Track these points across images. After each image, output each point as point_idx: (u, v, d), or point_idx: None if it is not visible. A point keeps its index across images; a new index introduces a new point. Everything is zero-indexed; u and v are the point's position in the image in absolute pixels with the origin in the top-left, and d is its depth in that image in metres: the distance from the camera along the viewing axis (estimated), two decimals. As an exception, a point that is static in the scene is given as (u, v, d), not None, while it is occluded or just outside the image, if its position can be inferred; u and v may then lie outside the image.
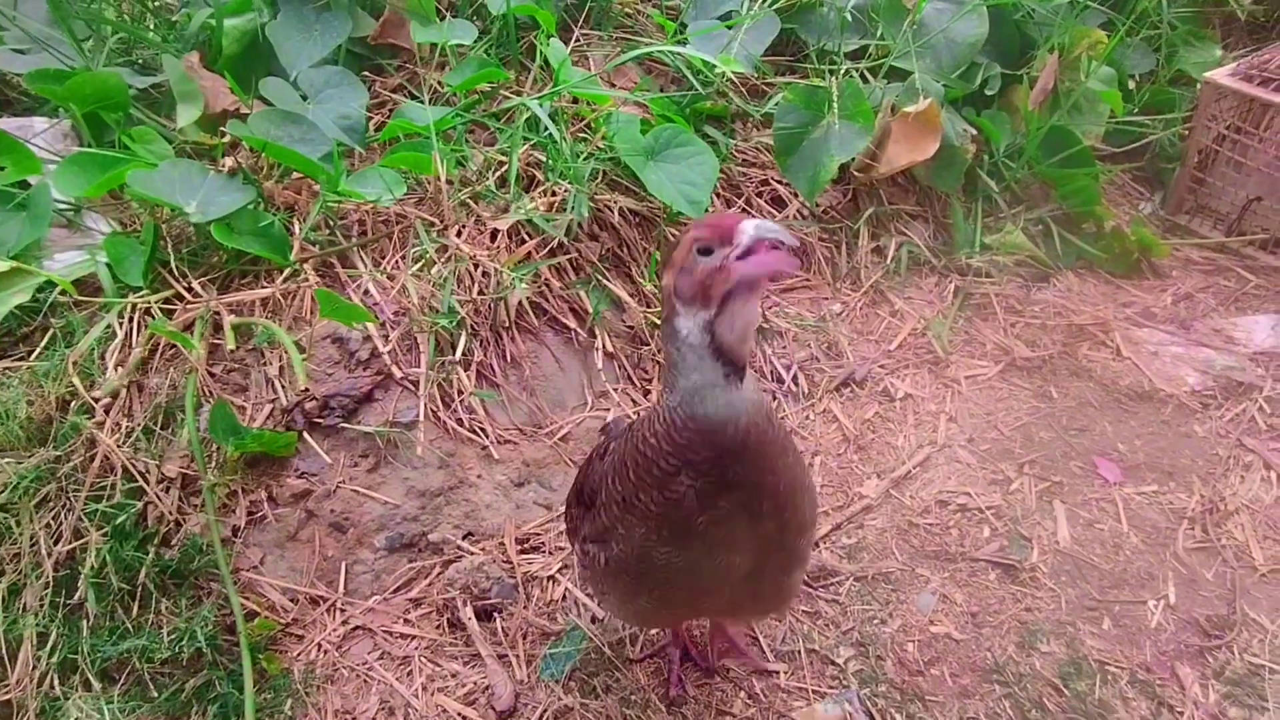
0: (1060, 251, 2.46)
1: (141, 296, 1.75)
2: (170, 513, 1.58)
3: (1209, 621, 1.64)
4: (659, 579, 1.16)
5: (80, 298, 1.73)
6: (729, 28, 2.31)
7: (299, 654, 1.57)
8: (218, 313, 1.77)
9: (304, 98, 2.09)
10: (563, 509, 1.80)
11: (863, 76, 2.38)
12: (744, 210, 2.28)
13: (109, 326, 1.70)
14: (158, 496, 1.58)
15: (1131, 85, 2.68)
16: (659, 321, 1.17)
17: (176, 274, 1.81)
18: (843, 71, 2.35)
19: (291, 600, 1.62)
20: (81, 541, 1.51)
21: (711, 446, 1.03)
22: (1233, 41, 2.99)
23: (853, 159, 2.26)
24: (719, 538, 1.09)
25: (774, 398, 2.07)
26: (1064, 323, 2.28)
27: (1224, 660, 1.58)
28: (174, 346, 1.73)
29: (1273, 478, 1.90)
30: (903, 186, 2.48)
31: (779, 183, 2.33)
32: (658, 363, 2.05)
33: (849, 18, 2.42)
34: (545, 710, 1.50)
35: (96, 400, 1.61)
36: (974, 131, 2.41)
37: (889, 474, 1.92)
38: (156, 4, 2.36)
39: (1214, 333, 2.27)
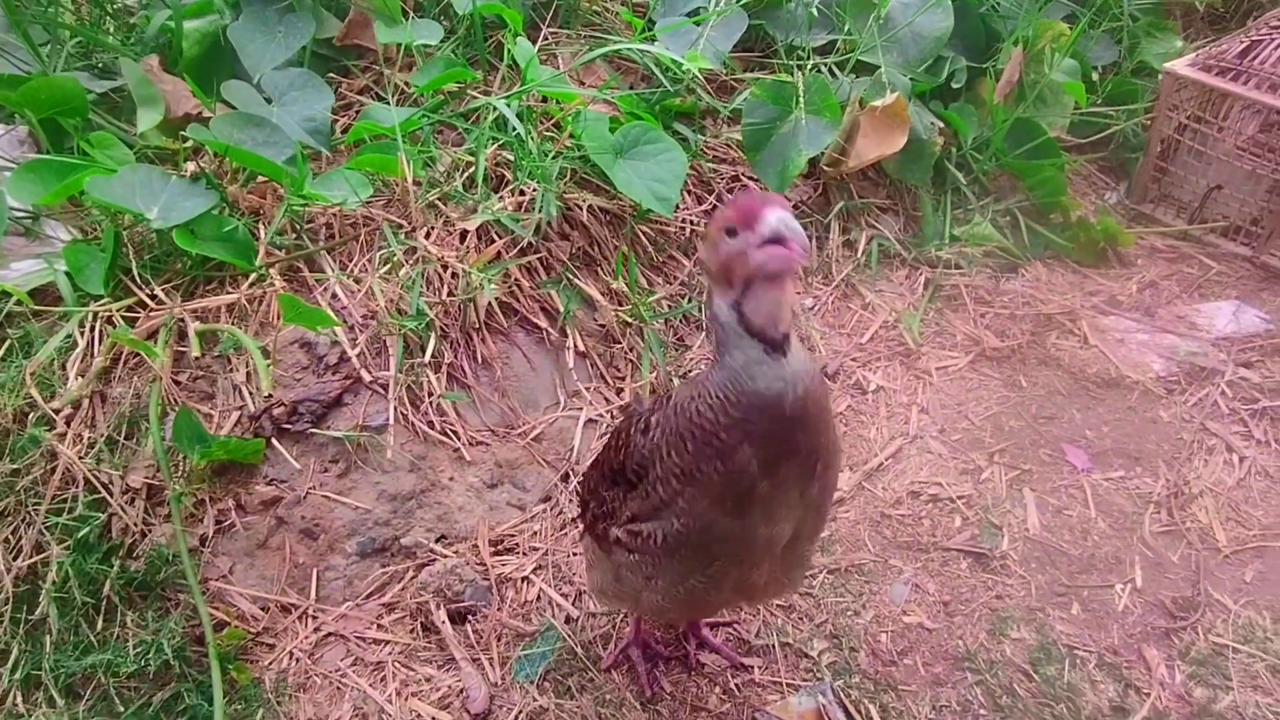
0: (1028, 242, 2.49)
1: (103, 305, 1.73)
2: (135, 524, 1.56)
3: (1174, 603, 1.66)
4: (718, 551, 1.16)
5: (38, 307, 1.70)
6: (697, 24, 2.31)
7: (270, 663, 1.56)
8: (182, 320, 1.74)
9: (268, 100, 2.06)
10: (538, 508, 1.81)
11: (830, 71, 2.39)
12: (715, 207, 2.28)
13: (69, 336, 1.67)
14: (122, 508, 1.56)
15: (1095, 77, 2.71)
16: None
17: (139, 281, 1.78)
18: (810, 66, 2.36)
19: (262, 609, 1.61)
20: (43, 555, 1.48)
21: (771, 419, 1.04)
22: (1193, 32, 3.03)
23: (821, 153, 2.28)
24: (776, 504, 1.11)
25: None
26: (1032, 312, 2.31)
27: (1189, 641, 1.61)
28: (137, 355, 1.70)
29: (1235, 460, 1.93)
30: (872, 180, 2.50)
31: (749, 178, 2.33)
32: (630, 361, 2.05)
33: (815, 13, 2.43)
34: (520, 712, 1.49)
35: (57, 411, 1.59)
36: (941, 125, 2.43)
37: (861, 466, 1.94)
38: (115, 7, 2.32)
39: (1178, 319, 2.31)
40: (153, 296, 1.76)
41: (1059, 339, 2.26)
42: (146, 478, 1.60)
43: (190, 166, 1.90)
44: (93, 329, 1.69)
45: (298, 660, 1.56)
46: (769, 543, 1.16)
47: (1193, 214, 2.60)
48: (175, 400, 1.68)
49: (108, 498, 1.55)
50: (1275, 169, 2.45)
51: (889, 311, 2.30)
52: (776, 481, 1.08)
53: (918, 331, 2.25)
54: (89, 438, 1.59)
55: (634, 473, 1.18)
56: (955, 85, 2.51)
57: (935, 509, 1.85)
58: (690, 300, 2.15)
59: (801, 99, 2.20)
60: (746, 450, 1.05)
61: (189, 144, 1.95)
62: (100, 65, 2.20)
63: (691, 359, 2.12)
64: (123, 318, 1.72)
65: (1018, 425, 2.04)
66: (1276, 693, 1.52)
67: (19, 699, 1.43)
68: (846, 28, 2.44)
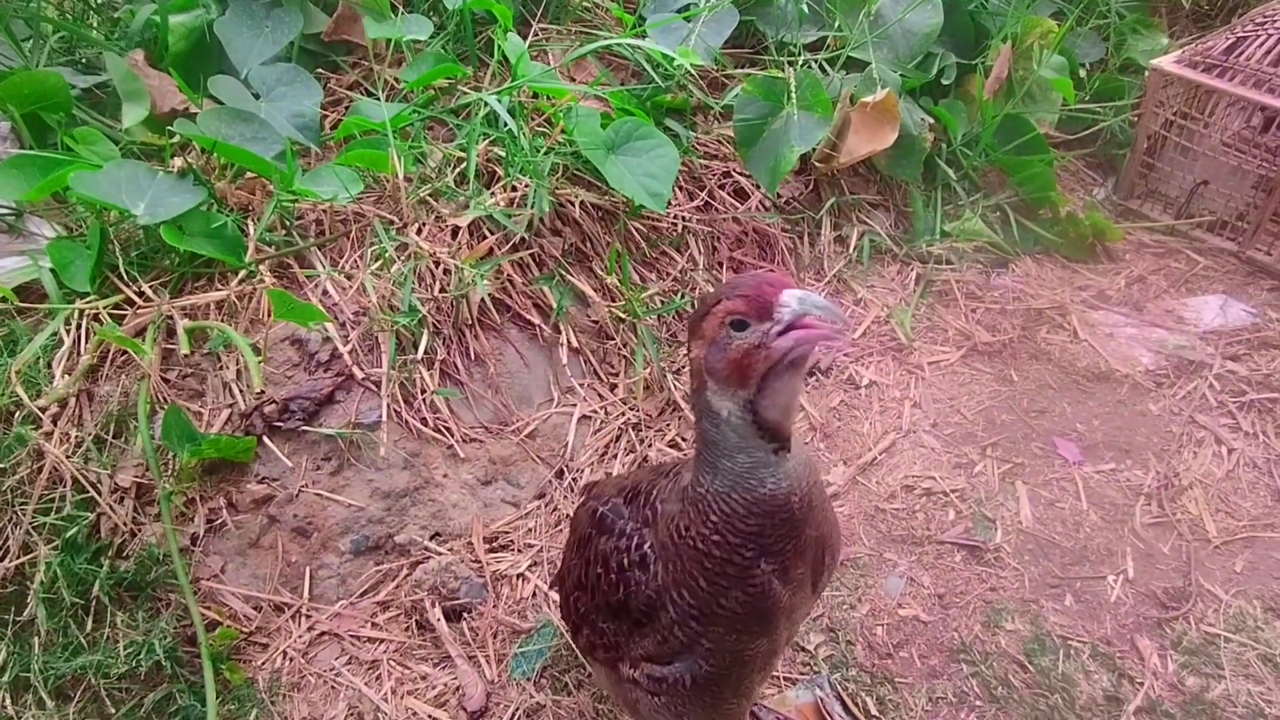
0: (1018, 237, 2.51)
1: (89, 302, 1.70)
2: (124, 523, 1.54)
3: (1166, 594, 1.68)
4: (750, 668, 1.07)
5: (23, 305, 1.67)
6: (687, 20, 2.31)
7: (263, 662, 1.54)
8: (170, 317, 1.72)
9: (256, 96, 2.04)
10: (532, 505, 1.80)
11: (821, 67, 2.40)
12: (707, 203, 2.28)
13: (55, 334, 1.65)
14: (111, 507, 1.53)
15: (1082, 73, 2.73)
16: (688, 392, 1.03)
17: (126, 278, 1.75)
18: (801, 63, 2.36)
19: (255, 608, 1.59)
20: (30, 556, 1.46)
21: (782, 523, 0.95)
22: (1178, 29, 3.06)
23: (813, 149, 2.28)
24: (797, 604, 1.04)
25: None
26: (1023, 307, 2.33)
27: (1181, 631, 1.62)
28: (125, 353, 1.68)
29: (1224, 452, 1.95)
30: (863, 176, 2.51)
31: (741, 174, 2.33)
32: (624, 357, 2.04)
33: (806, 9, 2.43)
34: (517, 709, 1.49)
35: (43, 410, 1.56)
36: (932, 121, 2.44)
37: (855, 461, 1.94)
38: (99, 1, 2.29)
39: (1165, 313, 2.33)
40: (140, 294, 1.74)
41: (1049, 333, 2.27)
42: (136, 477, 1.58)
43: (177, 162, 1.88)
44: (79, 327, 1.67)
45: (291, 659, 1.55)
46: (790, 636, 1.10)
47: (1179, 209, 2.62)
48: (164, 398, 1.65)
49: (96, 497, 1.53)
50: (1260, 164, 2.48)
51: (881, 307, 2.31)
52: (793, 584, 1.00)
53: (910, 327, 2.26)
54: (76, 436, 1.57)
55: (641, 613, 1.04)
56: (945, 82, 2.52)
57: (929, 503, 1.86)
58: (683, 296, 2.15)
59: (793, 95, 2.21)
60: (763, 567, 0.96)
61: (176, 139, 1.92)
62: (84, 60, 2.17)
63: (684, 355, 2.11)
64: (110, 315, 1.69)
65: (1009, 419, 2.06)
66: (1268, 681, 1.54)
67: (8, 701, 1.41)
68: (837, 24, 2.44)
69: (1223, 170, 2.53)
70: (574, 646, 1.32)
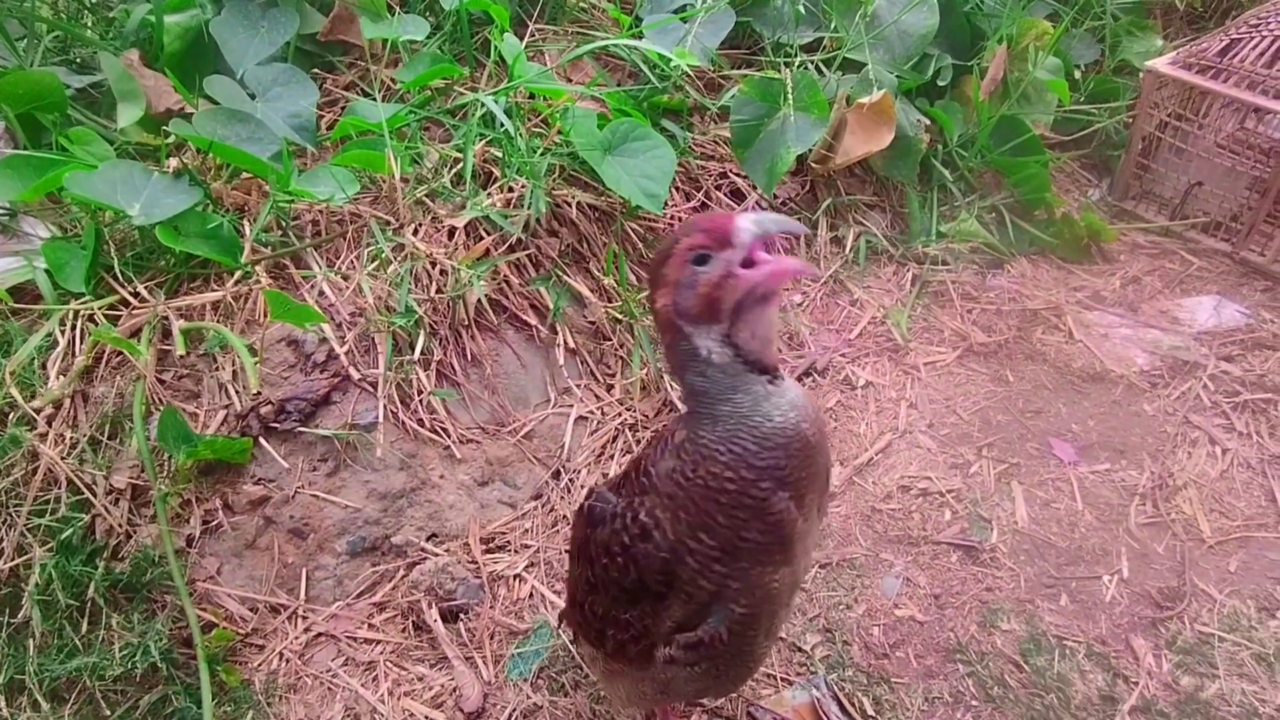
0: (1013, 238, 2.51)
1: (84, 303, 1.70)
2: (120, 525, 1.54)
3: (1161, 594, 1.69)
4: (775, 604, 1.05)
5: (17, 305, 1.66)
6: (684, 21, 2.31)
7: (260, 664, 1.54)
8: (166, 318, 1.72)
9: (252, 96, 2.04)
10: (529, 506, 1.80)
11: (817, 69, 2.40)
12: (703, 204, 2.29)
13: (49, 335, 1.64)
14: (106, 509, 1.53)
15: (1077, 75, 2.74)
16: (661, 355, 1.01)
17: (121, 279, 1.75)
18: (797, 64, 2.37)
19: (251, 610, 1.59)
20: (25, 558, 1.46)
21: (796, 454, 0.96)
22: (1173, 31, 3.08)
23: (809, 150, 2.28)
24: (808, 530, 1.04)
25: (737, 389, 2.08)
26: (1018, 308, 2.33)
27: (1176, 630, 1.63)
28: (120, 354, 1.68)
29: (1218, 453, 1.96)
30: (859, 177, 2.51)
31: (737, 175, 2.33)
32: (620, 357, 2.04)
33: (802, 10, 2.43)
34: (514, 710, 1.49)
35: (37, 411, 1.56)
36: (928, 122, 2.45)
37: (851, 461, 1.94)
38: (93, 1, 2.28)
39: (1160, 314, 2.34)
40: (135, 294, 1.74)
41: (1044, 334, 2.28)
42: (131, 478, 1.58)
43: (173, 162, 1.87)
44: (74, 327, 1.66)
45: (288, 661, 1.54)
46: (807, 566, 1.09)
47: (1174, 210, 2.63)
48: (160, 399, 1.65)
49: (91, 498, 1.53)
50: (1254, 165, 2.49)
51: (877, 308, 2.31)
52: (806, 510, 1.00)
53: (906, 327, 2.26)
54: (71, 438, 1.57)
55: (659, 583, 1.02)
56: (941, 83, 2.53)
57: (925, 503, 1.87)
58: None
59: (789, 96, 2.21)
60: (780, 495, 0.96)
61: (171, 140, 1.92)
62: (79, 60, 2.17)
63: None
64: (105, 316, 1.69)
65: (1005, 419, 2.06)
66: (1262, 680, 1.54)
67: (2, 704, 1.40)
68: (833, 25, 2.45)
69: (1217, 171, 2.54)
70: (596, 660, 1.26)
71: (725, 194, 2.33)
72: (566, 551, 1.24)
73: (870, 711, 1.50)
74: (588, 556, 1.10)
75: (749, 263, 0.91)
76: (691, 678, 1.09)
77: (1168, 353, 2.21)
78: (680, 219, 2.22)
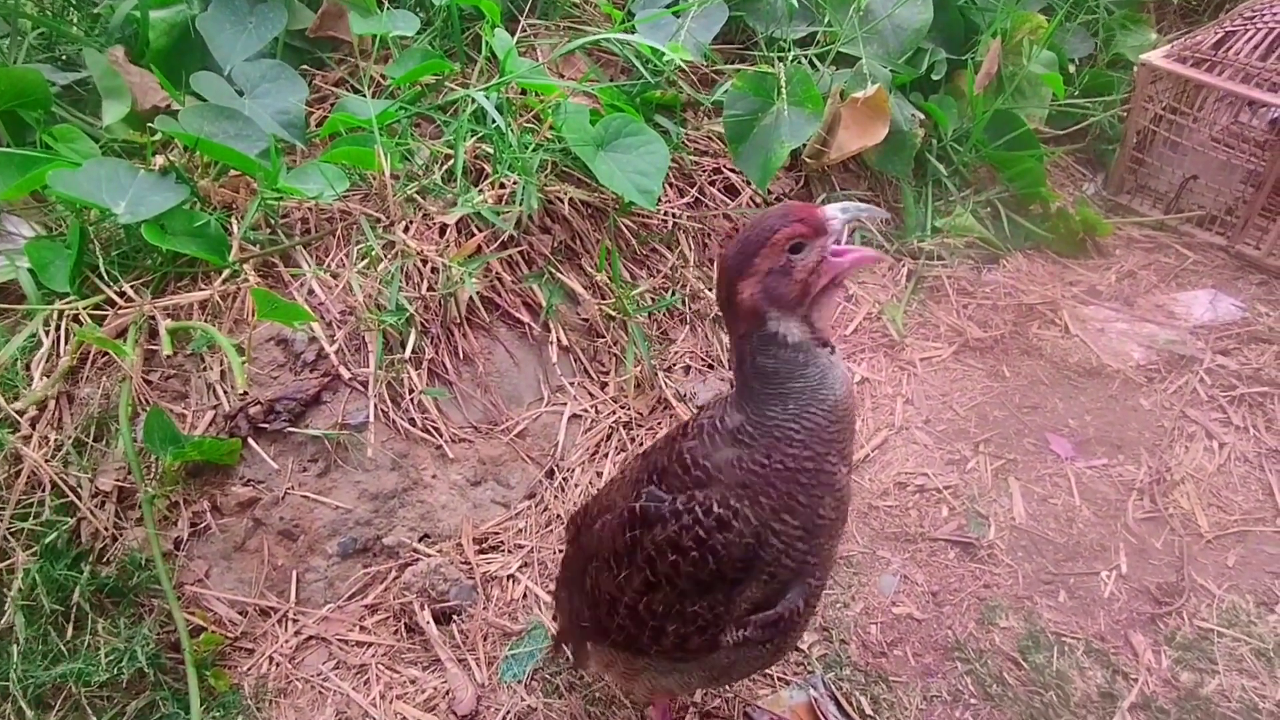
0: (1009, 233, 2.50)
1: (69, 303, 1.67)
2: (106, 528, 1.51)
3: (1159, 589, 1.68)
4: (829, 567, 1.12)
5: (1, 305, 1.64)
6: (676, 15, 2.29)
7: (249, 668, 1.51)
8: (152, 317, 1.69)
9: (239, 93, 2.01)
10: (522, 505, 1.78)
11: (811, 63, 2.38)
12: (697, 200, 2.27)
13: (33, 335, 1.62)
14: (91, 512, 1.50)
15: (1071, 69, 2.73)
16: (730, 344, 1.04)
17: (107, 278, 1.72)
18: (791, 58, 2.35)
19: (240, 613, 1.56)
20: (8, 562, 1.43)
21: (848, 419, 1.03)
22: (1166, 25, 3.07)
23: (803, 145, 2.27)
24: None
25: (731, 385, 2.06)
26: (1014, 303, 2.32)
27: (1174, 626, 1.62)
28: (106, 355, 1.65)
29: (1215, 447, 1.95)
30: (854, 172, 2.49)
31: (731, 171, 2.32)
32: (614, 355, 2.02)
33: (796, 4, 2.41)
34: (508, 712, 1.47)
35: (20, 413, 1.53)
36: (922, 116, 2.43)
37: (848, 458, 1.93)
38: (78, -3, 2.26)
39: (1156, 308, 2.33)
40: (121, 294, 1.71)
41: (1040, 329, 2.27)
42: (117, 480, 1.55)
43: (159, 160, 1.85)
44: (58, 328, 1.63)
45: (278, 665, 1.52)
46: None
47: (1169, 204, 2.63)
48: (146, 400, 1.63)
49: (76, 501, 1.50)
50: (1249, 159, 2.48)
51: (873, 303, 2.30)
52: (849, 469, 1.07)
53: (901, 323, 2.25)
54: (55, 440, 1.54)
55: (738, 570, 1.04)
56: (935, 77, 2.51)
57: (922, 499, 1.85)
58: (674, 293, 2.13)
59: (783, 91, 2.19)
60: (842, 469, 1.03)
61: (157, 137, 1.89)
62: (64, 57, 2.14)
63: (676, 352, 2.10)
64: (90, 316, 1.66)
65: (1002, 415, 2.05)
66: (1261, 676, 1.53)
67: (-15, 712, 1.38)
68: (827, 19, 2.43)
69: (1211, 165, 2.53)
70: (614, 663, 1.24)
71: (719, 189, 2.31)
72: (590, 563, 1.18)
73: (868, 710, 1.49)
74: (643, 558, 1.08)
75: (836, 251, 0.98)
76: (759, 656, 1.12)
77: (1164, 347, 2.20)
78: (674, 215, 2.20)
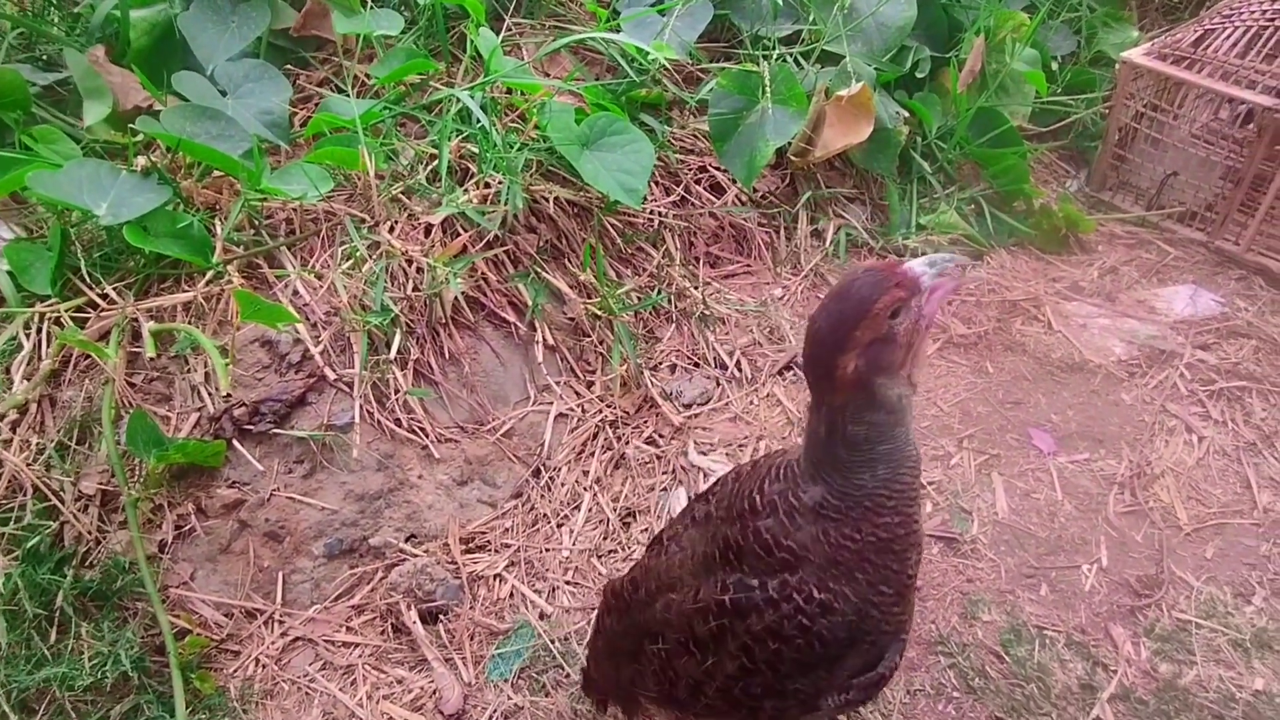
0: (993, 230, 2.52)
1: (50, 305, 1.66)
2: (89, 532, 1.51)
3: (1139, 582, 1.70)
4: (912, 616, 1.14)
5: (-20, 308, 1.63)
6: (661, 14, 2.29)
7: (235, 670, 1.51)
8: (135, 319, 1.69)
9: (222, 93, 2.00)
10: (509, 505, 1.78)
11: (796, 61, 2.39)
12: (683, 199, 2.27)
13: (13, 338, 1.61)
14: (74, 515, 1.50)
15: (1054, 66, 2.75)
16: (813, 414, 1.01)
17: (89, 280, 1.72)
18: (776, 57, 2.36)
19: (226, 615, 1.56)
20: (-10, 567, 1.43)
21: (919, 475, 1.02)
22: (1148, 22, 3.10)
23: (788, 143, 2.28)
24: None
25: (717, 383, 2.08)
26: (998, 299, 2.34)
27: (1154, 618, 1.64)
28: (88, 357, 1.65)
29: (1194, 440, 1.98)
30: (839, 170, 2.51)
31: (716, 169, 2.32)
32: (600, 354, 2.03)
33: (780, 3, 2.42)
34: (494, 711, 1.47)
35: (1, 417, 1.52)
36: (906, 114, 2.44)
37: (833, 455, 1.94)
38: (58, -4, 2.24)
39: (1137, 304, 2.36)
40: (104, 296, 1.70)
41: (1024, 325, 2.29)
42: (100, 484, 1.55)
43: (141, 161, 1.83)
44: (39, 330, 1.63)
45: (264, 666, 1.52)
46: None
47: (1150, 200, 2.65)
48: (130, 403, 1.62)
49: (59, 505, 1.50)
50: (1228, 155, 2.51)
51: (858, 300, 2.31)
52: None
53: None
54: (37, 444, 1.53)
55: (842, 645, 1.03)
56: (919, 75, 2.53)
57: (906, 495, 1.87)
58: (659, 291, 2.14)
59: (768, 89, 2.20)
60: (920, 518, 1.04)
61: (139, 138, 1.88)
62: (44, 57, 2.12)
63: (661, 350, 2.11)
64: (72, 318, 1.66)
65: (985, 411, 2.07)
66: (1238, 666, 1.56)
67: (-32, 717, 1.38)
68: (811, 18, 2.44)
69: (1192, 162, 2.56)
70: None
71: (705, 188, 2.32)
72: (653, 641, 1.15)
73: (852, 705, 1.50)
74: (737, 646, 1.05)
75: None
76: (851, 707, 1.11)
77: (1145, 342, 2.22)
78: (659, 214, 2.20)
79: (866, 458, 0.98)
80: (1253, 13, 2.51)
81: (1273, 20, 2.45)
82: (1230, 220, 2.49)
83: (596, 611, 1.34)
